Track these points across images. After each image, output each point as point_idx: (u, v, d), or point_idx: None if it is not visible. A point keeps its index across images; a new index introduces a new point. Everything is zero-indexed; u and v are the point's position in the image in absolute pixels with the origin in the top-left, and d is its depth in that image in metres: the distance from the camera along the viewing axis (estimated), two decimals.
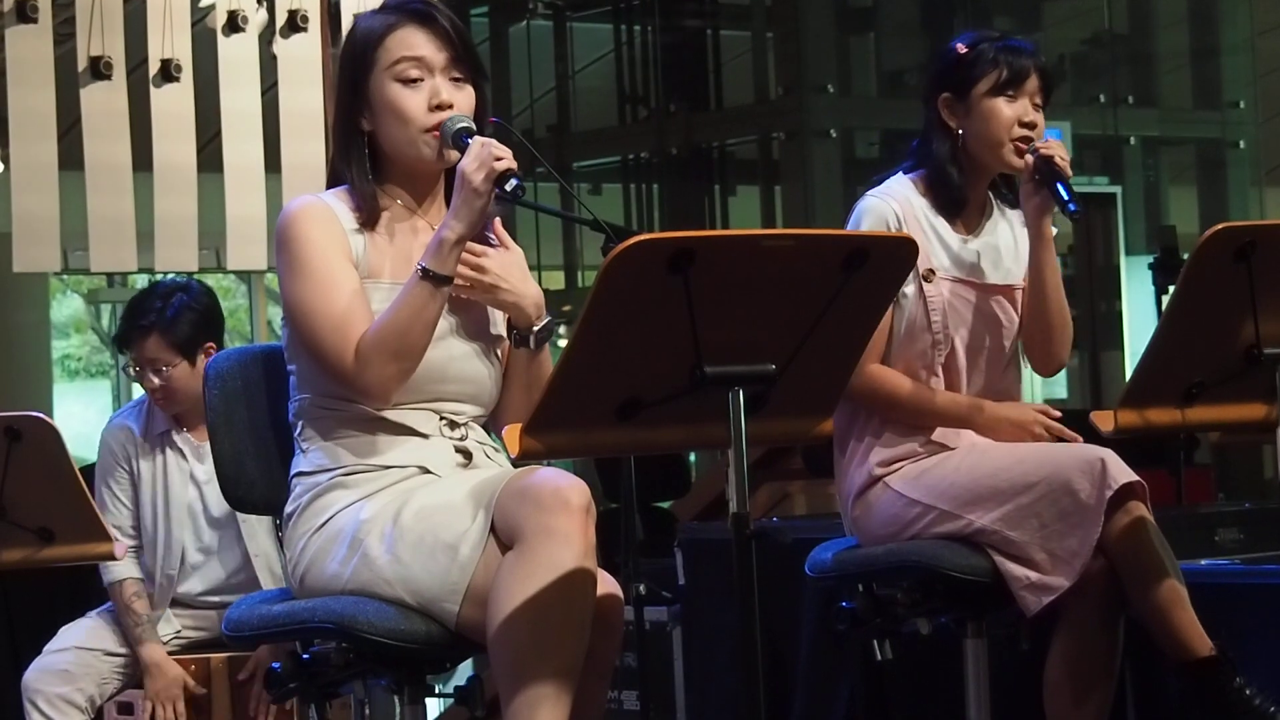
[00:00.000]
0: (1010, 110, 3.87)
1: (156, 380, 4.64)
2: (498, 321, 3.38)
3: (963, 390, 3.90)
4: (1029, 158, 3.82)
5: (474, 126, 3.28)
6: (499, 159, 3.16)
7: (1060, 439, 3.87)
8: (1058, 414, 3.91)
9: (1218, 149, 11.49)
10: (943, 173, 3.91)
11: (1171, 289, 3.38)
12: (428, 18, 3.34)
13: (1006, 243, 3.97)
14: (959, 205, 3.92)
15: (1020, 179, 3.86)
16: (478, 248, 3.28)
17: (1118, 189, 11.07)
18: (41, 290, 12.77)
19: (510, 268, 3.31)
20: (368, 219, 3.32)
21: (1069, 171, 3.79)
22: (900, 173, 3.97)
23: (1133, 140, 11.18)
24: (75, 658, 4.61)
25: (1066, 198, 3.76)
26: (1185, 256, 3.40)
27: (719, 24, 11.47)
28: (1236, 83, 11.43)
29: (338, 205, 3.33)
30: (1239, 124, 11.39)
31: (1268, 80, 11.82)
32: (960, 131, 3.89)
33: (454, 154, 3.27)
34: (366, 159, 3.35)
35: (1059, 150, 3.81)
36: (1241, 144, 11.38)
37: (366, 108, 3.34)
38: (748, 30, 11.63)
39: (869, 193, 3.93)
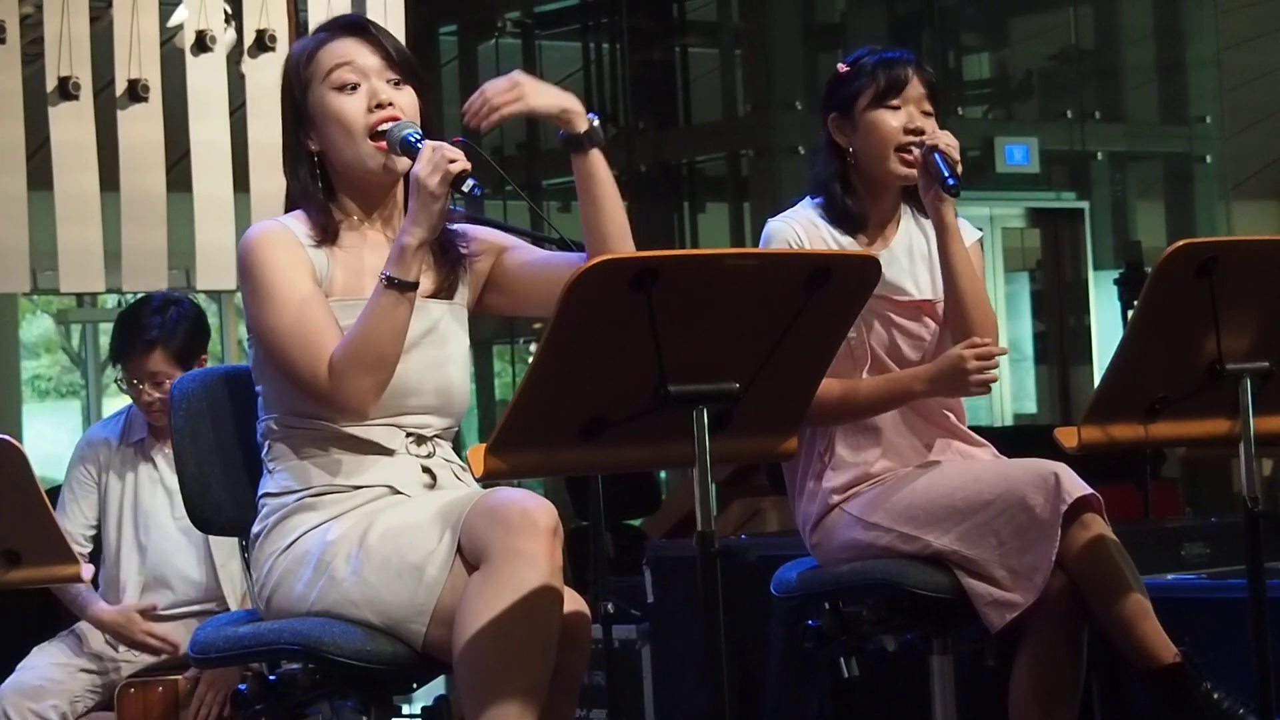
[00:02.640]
0: (894, 120, 3.86)
1: (156, 394, 4.66)
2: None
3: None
4: (917, 153, 3.82)
5: (420, 131, 3.28)
6: (452, 161, 3.15)
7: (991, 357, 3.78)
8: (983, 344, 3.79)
9: (1185, 164, 11.52)
10: (829, 191, 3.90)
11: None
12: (357, 27, 3.36)
13: (921, 251, 3.95)
14: (857, 221, 3.90)
15: (919, 183, 3.82)
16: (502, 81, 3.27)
17: (1085, 204, 11.09)
18: (11, 310, 12.73)
19: (537, 81, 3.28)
20: (324, 236, 3.32)
21: (956, 156, 3.78)
22: (807, 198, 3.96)
23: (1100, 155, 11.20)
24: (49, 674, 4.62)
25: (946, 173, 3.76)
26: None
27: (687, 41, 11.46)
28: (1203, 98, 11.46)
29: (296, 226, 3.33)
30: (1206, 139, 11.41)
31: (1234, 95, 11.86)
32: (851, 149, 3.90)
33: (404, 161, 3.27)
34: (317, 178, 3.35)
35: (946, 139, 3.80)
36: (1208, 159, 11.41)
37: (311, 126, 3.34)
38: (715, 48, 11.63)
39: (773, 219, 3.92)
